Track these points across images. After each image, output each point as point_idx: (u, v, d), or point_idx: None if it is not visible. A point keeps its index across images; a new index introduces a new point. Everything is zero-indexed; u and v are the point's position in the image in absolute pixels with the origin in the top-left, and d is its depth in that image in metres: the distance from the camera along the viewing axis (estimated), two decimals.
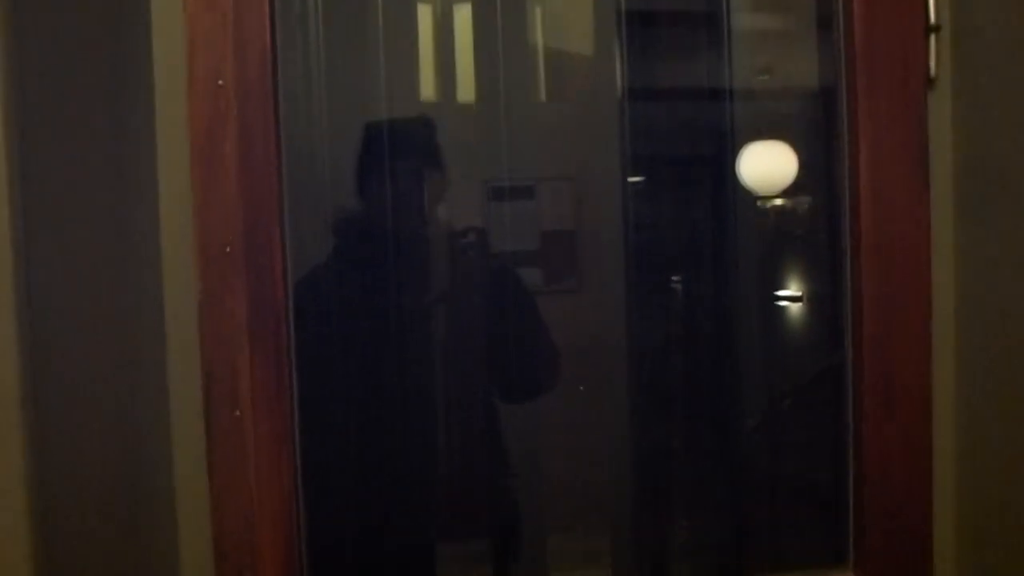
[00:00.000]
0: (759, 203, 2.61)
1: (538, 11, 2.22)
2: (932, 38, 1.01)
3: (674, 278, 2.61)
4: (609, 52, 2.22)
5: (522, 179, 2.22)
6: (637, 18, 2.21)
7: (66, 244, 0.89)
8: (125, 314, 0.97)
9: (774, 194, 2.50)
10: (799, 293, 2.73)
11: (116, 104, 0.96)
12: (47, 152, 0.86)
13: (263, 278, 0.96)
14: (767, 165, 2.46)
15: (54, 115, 0.90)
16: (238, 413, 0.94)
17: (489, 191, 2.19)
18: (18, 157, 0.85)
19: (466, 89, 2.14)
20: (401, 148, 1.73)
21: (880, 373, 1.05)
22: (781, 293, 2.73)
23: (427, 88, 2.05)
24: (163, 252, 0.97)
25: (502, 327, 1.98)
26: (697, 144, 2.65)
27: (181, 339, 0.95)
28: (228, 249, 0.96)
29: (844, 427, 1.10)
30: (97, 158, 0.94)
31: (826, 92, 1.22)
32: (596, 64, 2.27)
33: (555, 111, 2.21)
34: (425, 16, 2.09)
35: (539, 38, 2.22)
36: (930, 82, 1.02)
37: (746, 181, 2.48)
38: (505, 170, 2.16)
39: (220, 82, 0.96)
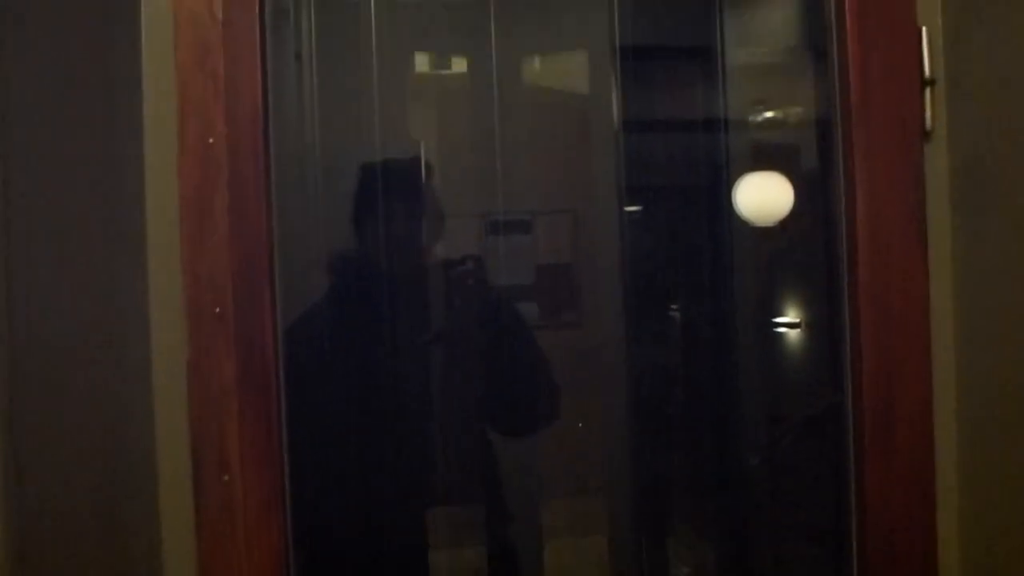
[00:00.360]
0: (756, 232, 2.60)
1: (535, 45, 2.22)
2: (927, 91, 1.00)
3: (673, 306, 2.60)
4: (605, 86, 2.22)
5: (519, 213, 2.21)
6: (632, 52, 2.21)
7: (52, 304, 0.88)
8: (112, 374, 0.96)
9: (771, 224, 2.50)
10: (797, 320, 2.72)
11: (106, 159, 0.95)
12: (35, 206, 0.85)
13: (253, 339, 0.94)
14: (764, 195, 2.46)
15: (42, 167, 0.89)
16: (227, 477, 0.93)
17: (486, 225, 2.18)
18: (4, 210, 0.84)
19: (463, 124, 2.14)
20: (396, 189, 1.73)
21: (880, 413, 1.04)
22: (779, 320, 2.73)
23: (424, 124, 2.05)
24: (151, 313, 0.95)
25: (500, 361, 1.96)
26: (693, 175, 2.64)
27: (169, 401, 0.94)
28: (218, 310, 0.95)
29: (846, 461, 1.09)
30: (85, 214, 0.93)
31: (821, 123, 1.21)
32: (592, 98, 2.27)
33: (551, 145, 2.21)
34: (422, 54, 2.09)
35: (535, 72, 2.22)
36: (926, 135, 1.01)
37: (743, 211, 2.48)
38: (501, 204, 2.16)
39: (211, 140, 0.95)
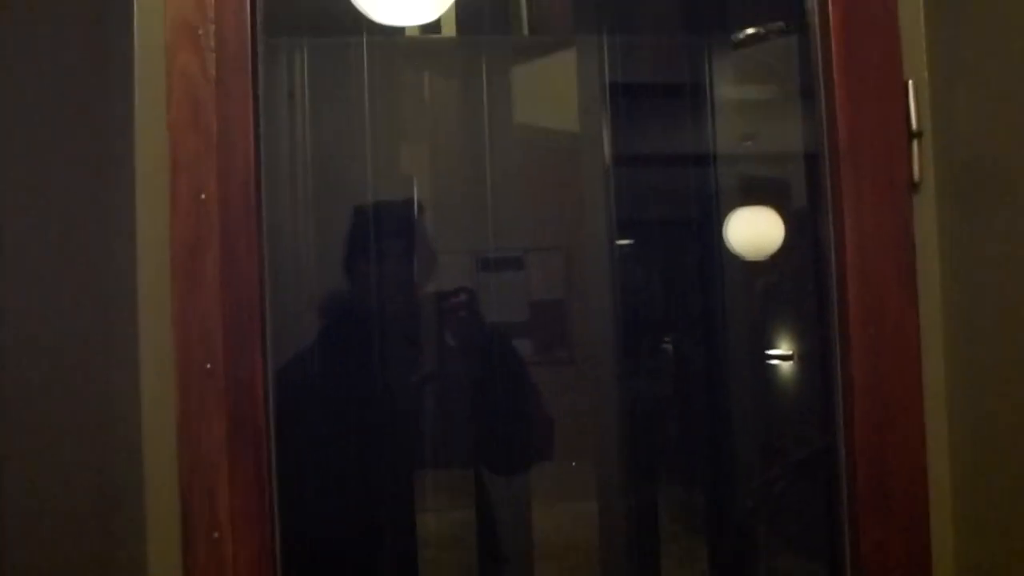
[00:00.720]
0: (747, 266, 2.61)
1: (524, 83, 2.23)
2: (915, 143, 1.01)
3: (665, 340, 2.61)
4: (596, 122, 2.24)
5: (511, 250, 2.22)
6: (622, 89, 2.22)
7: (43, 363, 0.87)
8: (102, 428, 0.95)
9: (762, 258, 2.51)
10: (790, 352, 2.73)
11: (97, 214, 0.95)
12: (23, 269, 0.84)
13: (243, 396, 0.94)
14: (754, 230, 2.47)
15: (32, 226, 0.89)
16: (217, 535, 0.92)
17: (478, 262, 2.18)
18: None
19: (454, 163, 2.15)
20: (388, 229, 1.73)
21: (873, 461, 1.04)
22: (772, 352, 2.73)
23: (415, 162, 2.06)
24: (142, 368, 0.95)
25: (493, 398, 1.96)
26: (684, 210, 2.65)
27: (159, 457, 0.94)
28: (208, 366, 0.94)
29: (839, 505, 1.09)
30: (76, 273, 0.92)
31: (811, 158, 1.21)
32: (583, 134, 2.28)
33: (543, 182, 2.22)
34: (413, 93, 2.10)
35: (526, 109, 2.23)
36: (914, 186, 1.02)
37: (734, 246, 2.49)
38: (493, 241, 2.16)
39: (203, 196, 0.95)
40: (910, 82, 1.02)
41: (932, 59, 1.03)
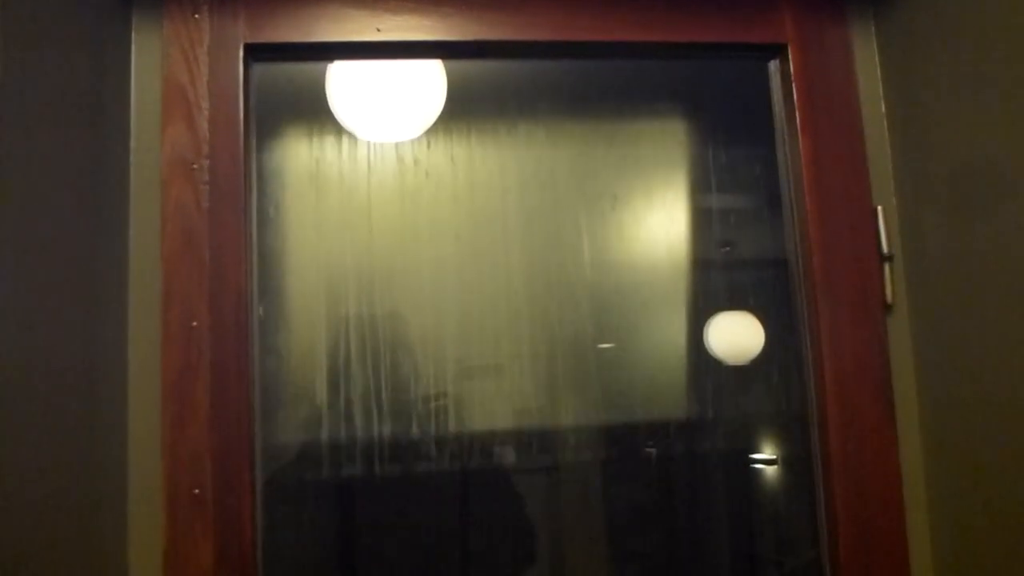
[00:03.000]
0: (729, 370, 2.63)
1: (509, 188, 2.28)
2: (886, 266, 1.05)
3: (649, 444, 2.60)
4: (576, 231, 2.28)
5: (492, 357, 2.23)
6: (599, 199, 2.28)
7: (29, 487, 0.87)
8: (88, 553, 0.94)
9: (742, 363, 2.54)
10: (773, 456, 2.73)
11: (89, 338, 0.96)
12: (9, 395, 0.85)
13: (231, 523, 0.94)
14: (734, 335, 2.50)
15: (25, 353, 0.90)
16: None
17: (461, 370, 2.19)
18: None
19: (436, 269, 2.18)
20: (373, 344, 1.74)
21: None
22: (756, 456, 2.73)
23: (398, 271, 2.09)
24: (130, 492, 0.95)
25: (475, 505, 1.94)
26: (664, 314, 2.69)
27: None
28: (196, 491, 0.94)
29: None
30: (66, 398, 0.93)
31: (788, 263, 1.24)
32: (563, 240, 2.32)
33: (523, 288, 2.25)
34: (394, 203, 2.14)
35: (509, 215, 2.27)
36: (887, 307, 1.05)
37: (715, 351, 2.52)
38: (475, 349, 2.18)
39: (194, 323, 0.97)
40: (879, 208, 1.07)
41: (899, 186, 1.08)
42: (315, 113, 1.66)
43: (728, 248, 2.61)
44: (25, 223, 0.76)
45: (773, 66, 1.11)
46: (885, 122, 1.09)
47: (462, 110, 1.88)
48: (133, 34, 1.00)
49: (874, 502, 1.05)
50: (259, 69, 1.03)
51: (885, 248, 1.06)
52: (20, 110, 0.75)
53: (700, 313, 2.58)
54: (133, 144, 0.98)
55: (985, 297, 0.95)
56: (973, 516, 0.99)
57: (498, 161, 2.30)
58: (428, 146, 1.98)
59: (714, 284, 2.65)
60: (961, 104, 0.96)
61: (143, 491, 0.96)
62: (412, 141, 1.81)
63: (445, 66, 1.64)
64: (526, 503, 1.93)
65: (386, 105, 1.67)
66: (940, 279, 1.03)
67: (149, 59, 1.00)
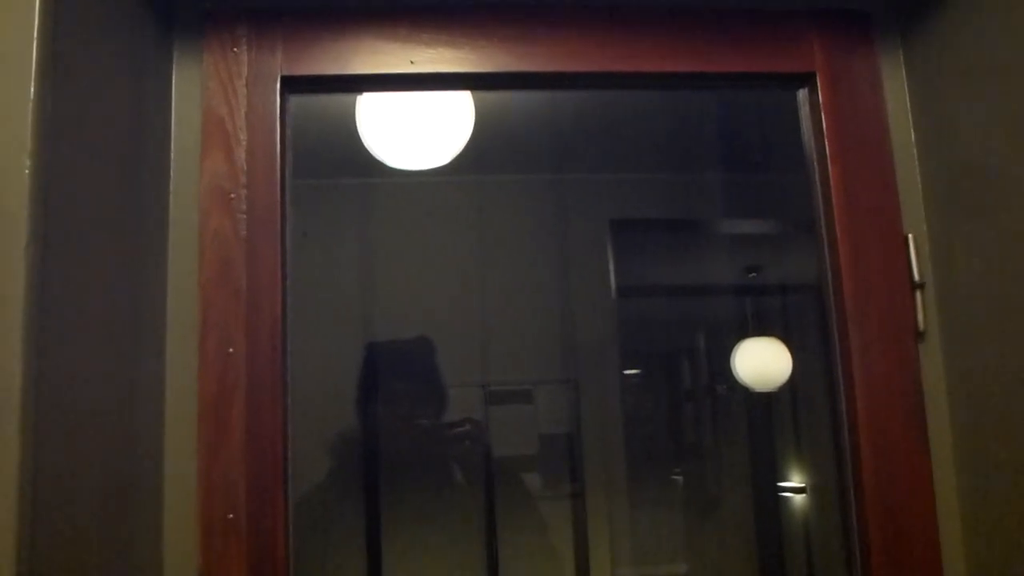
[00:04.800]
0: (756, 397, 2.63)
1: (531, 219, 2.30)
2: (918, 294, 1.05)
3: (675, 470, 2.59)
4: (602, 256, 2.29)
5: (520, 383, 2.24)
6: (626, 226, 2.29)
7: (66, 517, 0.88)
8: None
9: (770, 389, 2.52)
10: (802, 484, 2.71)
11: (127, 366, 0.98)
12: (51, 425, 0.86)
13: (265, 546, 0.95)
14: (762, 361, 2.49)
15: (66, 385, 0.91)
16: None
17: (487, 395, 2.20)
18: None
19: (462, 299, 2.20)
20: (400, 368, 1.76)
21: None
22: (784, 484, 2.71)
23: (425, 300, 2.11)
24: (165, 517, 0.96)
25: (499, 529, 1.94)
26: (691, 340, 2.69)
27: None
28: (231, 516, 0.95)
29: None
30: (106, 423, 0.94)
31: (817, 288, 1.25)
32: (589, 267, 2.33)
33: (550, 315, 2.26)
34: (422, 231, 2.17)
35: (532, 245, 2.29)
36: (919, 335, 1.05)
37: (742, 377, 2.51)
38: (502, 375, 2.18)
39: (230, 350, 0.98)
40: (910, 236, 1.07)
41: (930, 213, 1.08)
42: (346, 139, 1.68)
43: (755, 274, 2.60)
44: (70, 253, 0.78)
45: (802, 95, 1.12)
46: (915, 149, 1.10)
47: (490, 137, 1.90)
48: (174, 67, 1.03)
49: (908, 530, 1.04)
50: (295, 100, 1.05)
51: (916, 276, 1.05)
52: (68, 144, 0.77)
53: (727, 339, 2.57)
54: (172, 174, 1.00)
55: (1017, 324, 0.94)
56: (1009, 545, 0.98)
57: (523, 188, 2.32)
58: (456, 171, 2.01)
59: (743, 310, 2.64)
60: (991, 131, 0.97)
61: (178, 516, 0.97)
62: (440, 168, 1.83)
63: (474, 94, 1.66)
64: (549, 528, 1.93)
65: (415, 133, 1.69)
66: (972, 306, 1.03)
67: (189, 91, 1.03)
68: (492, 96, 1.87)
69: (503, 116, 2.00)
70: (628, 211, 2.36)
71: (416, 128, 1.68)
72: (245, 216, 0.99)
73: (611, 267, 2.37)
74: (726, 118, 2.18)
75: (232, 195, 0.99)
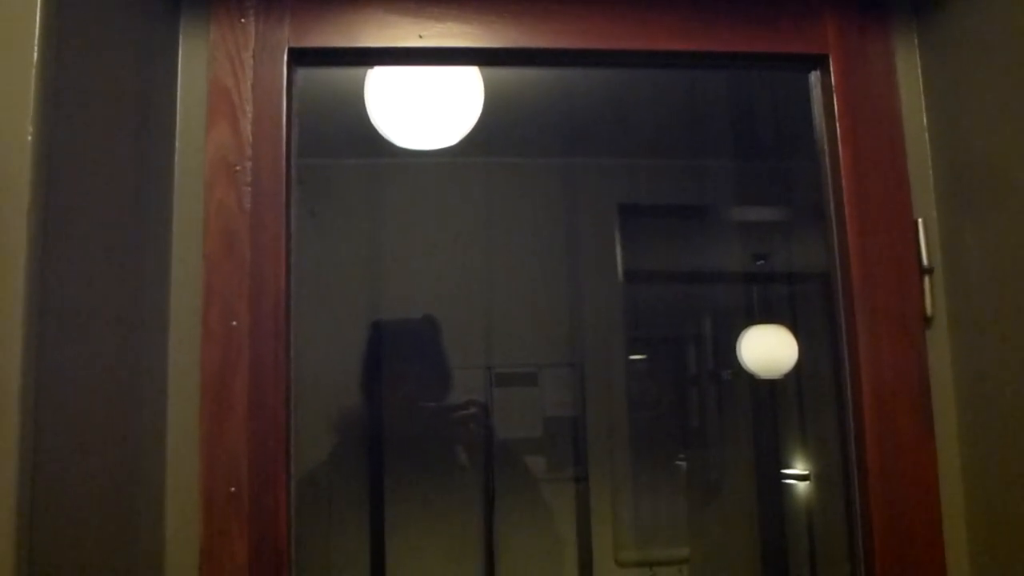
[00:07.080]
0: (761, 383, 2.62)
1: (539, 201, 2.29)
2: (926, 279, 1.04)
3: (680, 457, 2.59)
4: (609, 240, 2.28)
5: (524, 366, 2.23)
6: (634, 210, 2.28)
7: (68, 491, 0.88)
8: (125, 552, 0.95)
9: (776, 376, 2.52)
10: (806, 471, 2.70)
11: (130, 338, 0.97)
12: (54, 395, 0.86)
13: (267, 521, 0.95)
14: (768, 348, 2.48)
15: (69, 350, 0.91)
16: None
17: (492, 378, 2.20)
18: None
19: (469, 280, 2.19)
20: (406, 348, 1.75)
21: None
22: (788, 471, 2.70)
23: (431, 281, 2.10)
24: (167, 491, 0.96)
25: (500, 513, 1.94)
26: (696, 326, 2.68)
27: None
28: (233, 490, 0.95)
29: None
30: (109, 396, 0.94)
31: (824, 276, 1.24)
32: (596, 253, 2.32)
33: (556, 299, 2.26)
34: (431, 211, 2.16)
35: (540, 230, 2.28)
36: (927, 320, 1.04)
37: (748, 364, 2.50)
38: (507, 358, 2.18)
39: (234, 323, 0.98)
40: (920, 220, 1.06)
41: (940, 198, 1.07)
42: (354, 119, 1.68)
43: (763, 261, 2.59)
44: (74, 221, 0.78)
45: (814, 77, 1.11)
46: (927, 134, 1.09)
47: (499, 119, 1.89)
48: (180, 38, 1.02)
49: (912, 517, 1.03)
50: (302, 73, 1.04)
51: (925, 261, 1.05)
52: (71, 112, 0.76)
53: (732, 325, 2.56)
54: (178, 145, 1.00)
55: None
56: (1013, 533, 0.98)
57: (532, 170, 2.31)
58: (464, 152, 2.00)
59: (748, 296, 2.63)
60: (1005, 116, 0.96)
61: (180, 489, 0.97)
62: (448, 148, 1.82)
63: (482, 73, 1.65)
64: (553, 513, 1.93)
65: (424, 113, 1.68)
66: (980, 292, 1.02)
67: (195, 63, 1.02)
68: (501, 78, 1.86)
69: (512, 98, 1.99)
70: (637, 196, 2.35)
71: (425, 108, 1.67)
72: (250, 188, 0.98)
73: (618, 252, 2.36)
74: (737, 105, 2.17)
75: (237, 167, 0.99)
